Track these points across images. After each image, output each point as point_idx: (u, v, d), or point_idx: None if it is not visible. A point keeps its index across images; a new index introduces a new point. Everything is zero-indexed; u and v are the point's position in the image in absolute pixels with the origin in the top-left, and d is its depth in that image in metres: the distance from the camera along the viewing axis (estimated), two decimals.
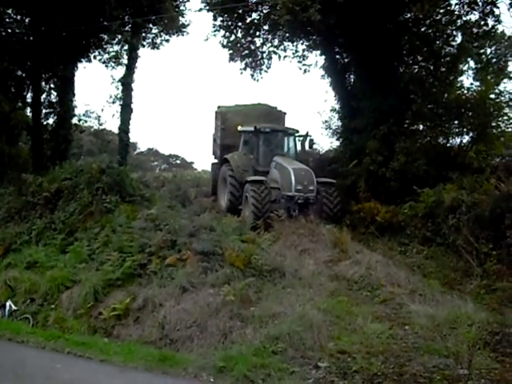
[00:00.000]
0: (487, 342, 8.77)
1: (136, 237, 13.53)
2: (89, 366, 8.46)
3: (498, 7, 21.85)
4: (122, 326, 11.07)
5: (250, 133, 21.98)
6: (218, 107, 25.90)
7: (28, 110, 29.42)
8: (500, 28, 23.63)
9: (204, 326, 10.15)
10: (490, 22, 22.40)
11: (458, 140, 23.41)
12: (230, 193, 21.23)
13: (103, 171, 17.12)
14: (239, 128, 22.72)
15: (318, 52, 26.02)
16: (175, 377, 7.98)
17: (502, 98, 23.67)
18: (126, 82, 28.55)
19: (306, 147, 23.44)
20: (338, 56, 25.44)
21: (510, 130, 24.39)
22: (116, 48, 30.80)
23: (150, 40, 31.23)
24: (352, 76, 25.05)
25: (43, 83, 29.28)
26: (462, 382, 7.29)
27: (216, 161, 25.85)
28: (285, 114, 25.13)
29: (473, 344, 8.29)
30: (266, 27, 24.69)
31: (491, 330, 9.24)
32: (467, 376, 7.42)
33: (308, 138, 22.64)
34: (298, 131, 22.68)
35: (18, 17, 27.69)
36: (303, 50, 26.18)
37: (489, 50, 26.56)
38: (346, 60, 25.25)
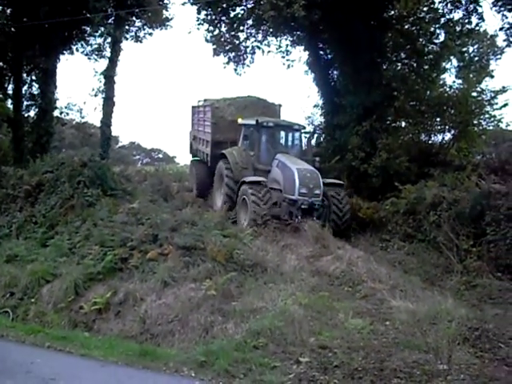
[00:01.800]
0: (467, 337, 8.85)
1: (117, 231, 13.44)
2: (69, 361, 8.42)
3: (481, 6, 22.06)
4: (103, 321, 11.00)
5: (250, 127, 19.92)
6: (204, 100, 24.89)
7: (9, 102, 29.23)
8: (483, 27, 23.86)
9: (185, 321, 10.12)
10: (474, 20, 22.60)
11: (439, 137, 23.67)
12: (226, 193, 19.46)
13: (85, 164, 16.97)
14: (240, 121, 20.81)
15: (302, 47, 26.15)
16: (156, 371, 7.95)
17: (484, 96, 23.96)
18: (109, 75, 28.39)
19: (312, 145, 21.67)
20: (321, 52, 25.51)
21: (491, 127, 24.66)
22: (99, 40, 30.72)
23: (133, 33, 31.21)
24: (335, 72, 25.13)
25: (24, 75, 29.12)
26: (441, 377, 7.33)
27: (198, 158, 24.89)
28: (280, 106, 23.79)
29: (452, 339, 8.37)
30: (249, 22, 24.62)
31: (471, 325, 9.31)
32: (447, 371, 7.48)
33: (315, 136, 21.01)
34: (304, 127, 20.88)
35: (0, 7, 27.38)
36: (287, 46, 26.24)
37: (471, 49, 26.87)
38: (329, 56, 25.32)
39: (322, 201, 17.40)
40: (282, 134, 20.39)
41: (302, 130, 20.60)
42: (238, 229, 15.76)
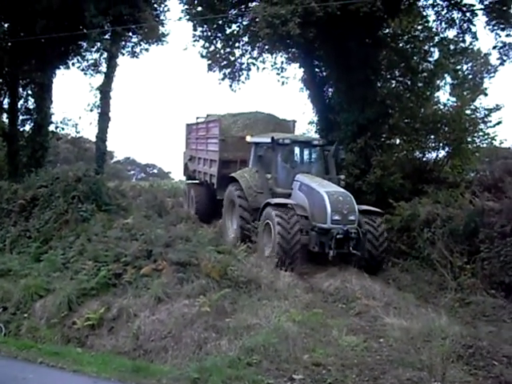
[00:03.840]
0: (460, 355, 8.85)
1: (111, 246, 13.42)
2: (61, 377, 8.38)
3: (474, 25, 22.28)
4: (96, 336, 10.95)
5: (264, 145, 17.72)
6: (207, 116, 23.71)
7: (4, 116, 29.21)
8: (476, 45, 24.11)
9: (179, 337, 10.09)
10: (468, 39, 22.83)
11: (433, 154, 23.68)
12: (241, 219, 17.08)
13: (79, 179, 16.97)
14: (248, 139, 18.72)
15: (297, 65, 26.18)
16: None
17: (478, 114, 24.05)
18: (105, 90, 28.38)
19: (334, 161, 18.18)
20: (316, 69, 25.59)
21: (484, 145, 24.77)
22: (95, 56, 30.71)
23: (129, 48, 31.12)
24: (330, 89, 25.18)
25: (20, 89, 29.17)
26: None
27: (196, 181, 23.67)
28: (294, 122, 22.34)
29: (446, 357, 8.38)
30: (245, 39, 24.75)
31: (465, 343, 9.31)
32: None
33: (339, 150, 17.81)
34: (325, 142, 18.36)
35: None
36: (282, 63, 26.31)
37: (465, 67, 27.13)
38: (324, 73, 25.40)
39: (357, 229, 14.96)
40: (301, 151, 18.03)
41: (323, 145, 18.16)
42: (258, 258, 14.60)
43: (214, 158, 20.91)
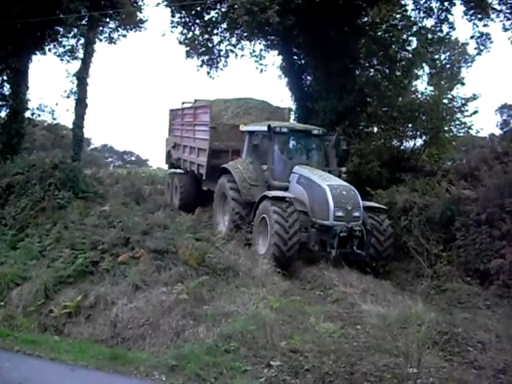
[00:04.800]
0: (436, 341, 8.93)
1: (88, 234, 13.31)
2: (38, 365, 8.32)
3: (452, 14, 22.46)
4: (73, 324, 10.87)
5: (259, 134, 16.27)
6: (195, 101, 22.34)
7: None
8: (454, 35, 24.29)
9: (156, 325, 10.06)
10: (445, 28, 23.00)
11: (411, 143, 23.91)
12: (235, 213, 16.00)
13: (56, 166, 16.81)
14: (243, 127, 17.57)
15: (276, 52, 26.18)
16: (126, 375, 7.91)
17: (455, 104, 24.29)
18: (82, 77, 28.03)
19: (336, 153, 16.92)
20: (295, 57, 25.63)
21: (461, 134, 25.02)
22: (72, 41, 30.21)
23: (106, 34, 30.78)
24: (309, 77, 25.26)
25: None
26: (411, 381, 7.40)
27: (179, 170, 22.79)
28: (290, 110, 21.24)
29: (422, 343, 8.43)
30: (223, 25, 24.64)
31: (440, 329, 9.40)
32: (416, 374, 7.54)
33: (340, 141, 16.56)
34: (325, 132, 17.11)
35: None
36: (260, 50, 26.36)
37: (443, 56, 27.34)
38: (303, 61, 25.46)
39: (361, 227, 13.96)
40: (299, 141, 16.80)
41: (323, 135, 16.91)
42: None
43: (202, 146, 19.60)
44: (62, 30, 28.72)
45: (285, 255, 13.55)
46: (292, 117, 26.46)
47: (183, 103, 23.19)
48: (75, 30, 28.39)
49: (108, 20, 29.51)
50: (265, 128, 15.86)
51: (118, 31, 31.03)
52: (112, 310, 10.70)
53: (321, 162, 16.53)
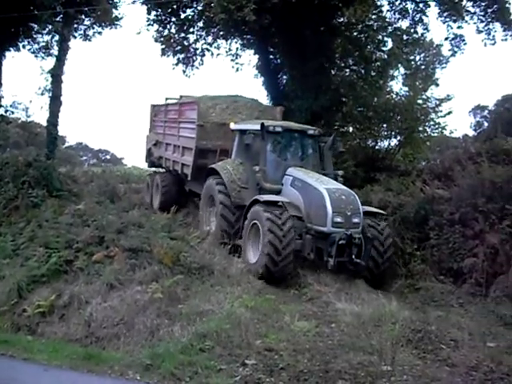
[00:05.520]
0: (410, 339, 9.02)
1: (63, 232, 13.19)
2: (12, 365, 8.21)
3: (427, 16, 22.73)
4: (47, 324, 10.76)
5: (251, 133, 15.03)
6: (180, 97, 21.07)
7: None
8: (429, 36, 24.56)
9: (131, 324, 10.00)
10: (420, 29, 23.25)
11: (386, 143, 24.12)
12: (222, 218, 14.90)
13: (30, 164, 16.66)
14: (233, 126, 16.47)
15: (252, 51, 26.17)
16: (101, 375, 7.85)
17: (429, 104, 24.56)
18: (56, 74, 27.81)
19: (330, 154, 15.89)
20: (271, 56, 25.63)
21: (435, 134, 25.29)
22: (46, 38, 30.14)
23: (81, 31, 30.62)
24: (284, 76, 25.27)
25: None
26: (385, 378, 7.45)
27: (160, 170, 21.78)
28: (282, 110, 19.70)
29: (396, 341, 8.53)
30: (200, 24, 24.62)
31: (414, 327, 9.49)
32: (390, 372, 7.60)
33: (337, 143, 15.85)
34: (321, 133, 16.21)
35: None
36: (237, 49, 26.28)
37: (418, 57, 27.57)
38: (279, 60, 25.46)
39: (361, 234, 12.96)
40: (294, 141, 15.57)
41: (318, 136, 15.81)
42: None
43: (188, 145, 18.42)
44: (36, 26, 28.52)
45: (278, 266, 12.45)
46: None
47: (167, 99, 21.98)
48: (50, 26, 28.27)
49: (83, 17, 29.34)
50: (257, 127, 14.76)
51: (93, 28, 30.89)
52: (86, 310, 10.62)
53: (316, 165, 15.40)
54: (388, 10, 23.92)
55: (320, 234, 12.89)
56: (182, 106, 19.94)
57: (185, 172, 18.80)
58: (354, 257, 12.55)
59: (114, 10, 30.32)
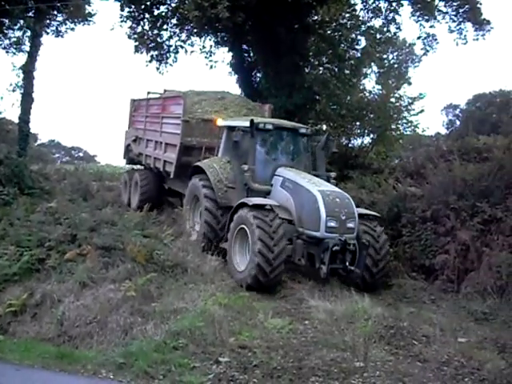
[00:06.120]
0: (382, 335, 9.10)
1: (35, 230, 13.04)
2: None
3: (400, 15, 22.94)
4: (19, 323, 10.62)
5: (240, 130, 14.39)
6: (165, 91, 19.81)
7: None
8: (401, 35, 24.79)
9: (104, 323, 9.92)
10: (393, 28, 23.46)
11: (359, 141, 24.29)
12: (206, 222, 14.03)
13: (1, 162, 16.57)
14: (221, 122, 15.52)
15: (226, 49, 26.14)
16: (73, 374, 7.75)
17: (402, 102, 24.78)
18: (28, 70, 27.56)
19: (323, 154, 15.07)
20: (245, 53, 25.62)
21: (408, 132, 25.53)
22: (18, 34, 29.86)
23: (54, 27, 30.39)
24: (258, 74, 25.29)
25: None
26: (358, 374, 7.51)
27: (139, 167, 21.06)
28: (271, 108, 19.01)
29: (369, 337, 8.61)
30: (173, 21, 24.49)
31: (386, 324, 9.58)
32: (363, 368, 7.67)
33: (330, 142, 15.21)
34: (313, 131, 16.00)
35: None
36: (211, 46, 26.20)
37: (391, 56, 27.82)
38: (252, 58, 25.47)
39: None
40: (284, 140, 14.70)
41: (310, 135, 15.19)
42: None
43: (172, 141, 17.50)
44: (7, 21, 28.14)
45: (269, 277, 11.54)
46: None
47: (149, 93, 20.88)
48: (21, 21, 27.93)
49: (56, 12, 29.08)
50: (247, 123, 13.83)
51: (65, 24, 30.72)
52: (59, 308, 10.49)
53: (308, 165, 14.69)
54: (361, 9, 24.16)
55: (312, 240, 12.15)
56: (166, 100, 19.06)
57: (167, 170, 17.94)
58: (347, 264, 11.87)
59: (86, 6, 30.12)
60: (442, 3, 21.94)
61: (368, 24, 24.02)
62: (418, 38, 23.17)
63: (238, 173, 14.05)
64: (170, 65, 25.97)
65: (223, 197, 13.99)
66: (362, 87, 26.43)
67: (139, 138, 20.63)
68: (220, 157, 15.06)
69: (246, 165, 13.53)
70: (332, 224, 11.89)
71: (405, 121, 25.16)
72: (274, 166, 13.91)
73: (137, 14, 24.19)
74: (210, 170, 14.38)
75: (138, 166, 21.51)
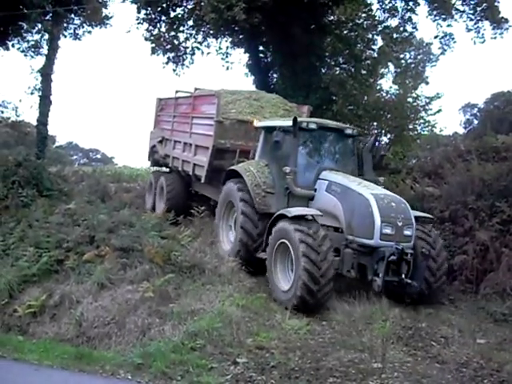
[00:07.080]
0: (400, 336, 9.09)
1: (53, 232, 13.16)
2: (2, 365, 8.18)
3: (416, 14, 22.82)
4: (38, 324, 10.73)
5: (281, 131, 12.90)
6: (195, 90, 18.66)
7: None
8: (418, 35, 24.68)
9: (122, 323, 9.98)
10: (409, 28, 23.34)
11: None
12: (242, 228, 12.80)
13: (20, 164, 16.63)
14: (257, 123, 14.41)
15: (242, 50, 26.16)
16: (92, 374, 7.83)
17: (419, 102, 24.68)
18: (46, 73, 27.74)
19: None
20: (261, 54, 25.63)
21: (425, 132, 25.39)
22: (36, 37, 30.04)
23: (71, 30, 30.57)
24: (275, 75, 25.28)
25: None
26: (376, 376, 7.49)
27: (164, 169, 20.14)
28: (310, 109, 17.55)
29: (387, 339, 8.58)
30: (190, 23, 24.62)
31: (405, 324, 9.57)
32: (381, 369, 7.64)
33: (378, 144, 14.18)
34: (360, 133, 14.79)
35: None
36: (227, 47, 26.26)
37: (408, 56, 27.70)
38: (269, 59, 25.47)
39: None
40: (329, 141, 13.40)
41: (357, 136, 13.95)
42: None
43: (203, 143, 16.24)
44: (25, 25, 28.34)
45: (316, 297, 10.33)
46: None
47: (177, 92, 19.50)
48: (39, 25, 28.14)
49: (73, 16, 29.27)
50: (289, 123, 12.50)
51: (83, 27, 30.88)
52: (77, 309, 10.58)
53: (354, 169, 13.31)
54: (377, 9, 24.05)
55: (364, 248, 10.93)
56: (196, 99, 17.71)
57: (197, 173, 16.68)
58: (403, 276, 10.60)
59: (103, 9, 30.29)
60: (459, 2, 21.83)
61: (384, 24, 23.95)
62: (435, 37, 23.08)
63: (278, 177, 12.88)
64: (187, 66, 26.15)
65: (261, 202, 12.72)
66: (378, 87, 26.39)
67: (166, 138, 19.61)
68: (257, 160, 13.83)
69: (287, 167, 12.19)
70: (387, 231, 10.63)
71: (422, 121, 25.09)
72: (317, 170, 12.60)
73: (153, 16, 24.34)
74: (247, 174, 13.14)
75: (164, 169, 20.56)
